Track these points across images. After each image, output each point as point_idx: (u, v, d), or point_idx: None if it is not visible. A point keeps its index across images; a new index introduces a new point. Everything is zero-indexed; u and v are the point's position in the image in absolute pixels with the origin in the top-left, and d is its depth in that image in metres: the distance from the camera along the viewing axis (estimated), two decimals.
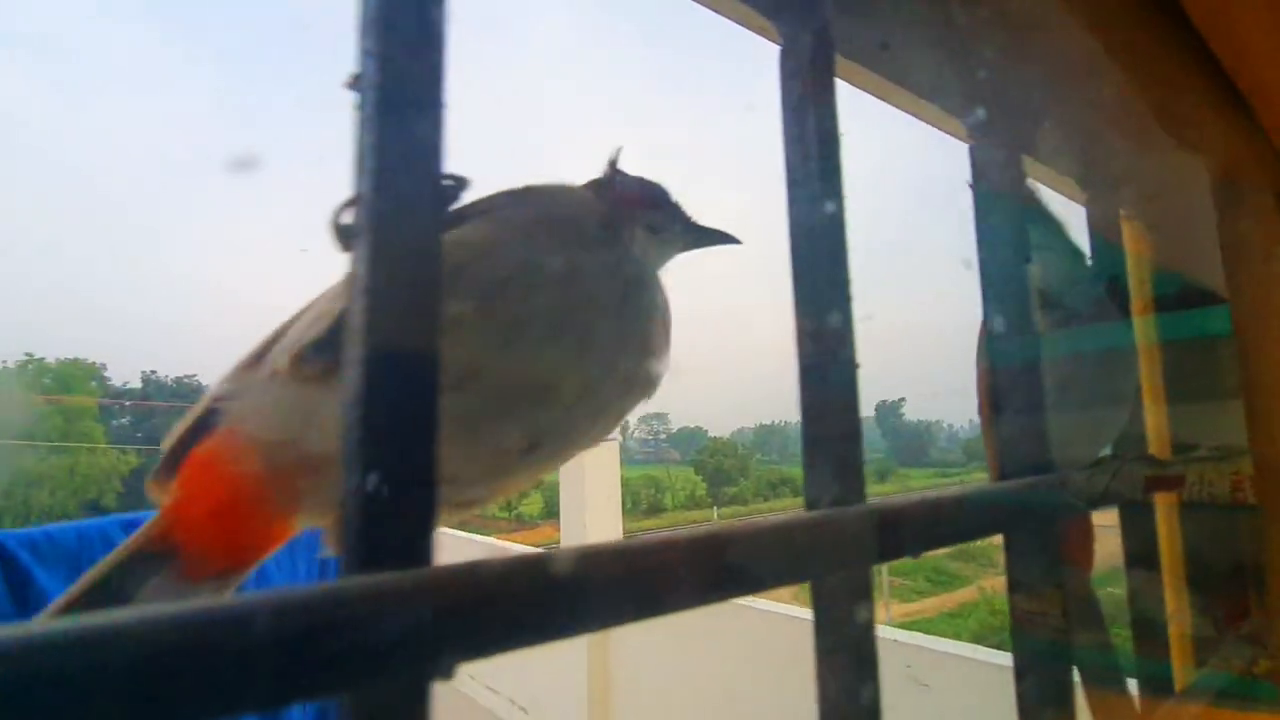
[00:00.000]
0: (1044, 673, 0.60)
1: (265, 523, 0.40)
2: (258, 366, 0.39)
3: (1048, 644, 0.62)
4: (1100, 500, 0.79)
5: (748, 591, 0.35)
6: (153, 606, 0.18)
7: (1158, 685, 0.95)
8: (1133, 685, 0.89)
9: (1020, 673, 0.59)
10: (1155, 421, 1.00)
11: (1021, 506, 0.65)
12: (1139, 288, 1.03)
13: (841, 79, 0.58)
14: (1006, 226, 0.63)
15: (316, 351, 0.36)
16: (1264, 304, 0.88)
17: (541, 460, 0.43)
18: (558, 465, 0.45)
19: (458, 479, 0.39)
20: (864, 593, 0.42)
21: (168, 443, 0.42)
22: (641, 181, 0.57)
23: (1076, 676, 0.77)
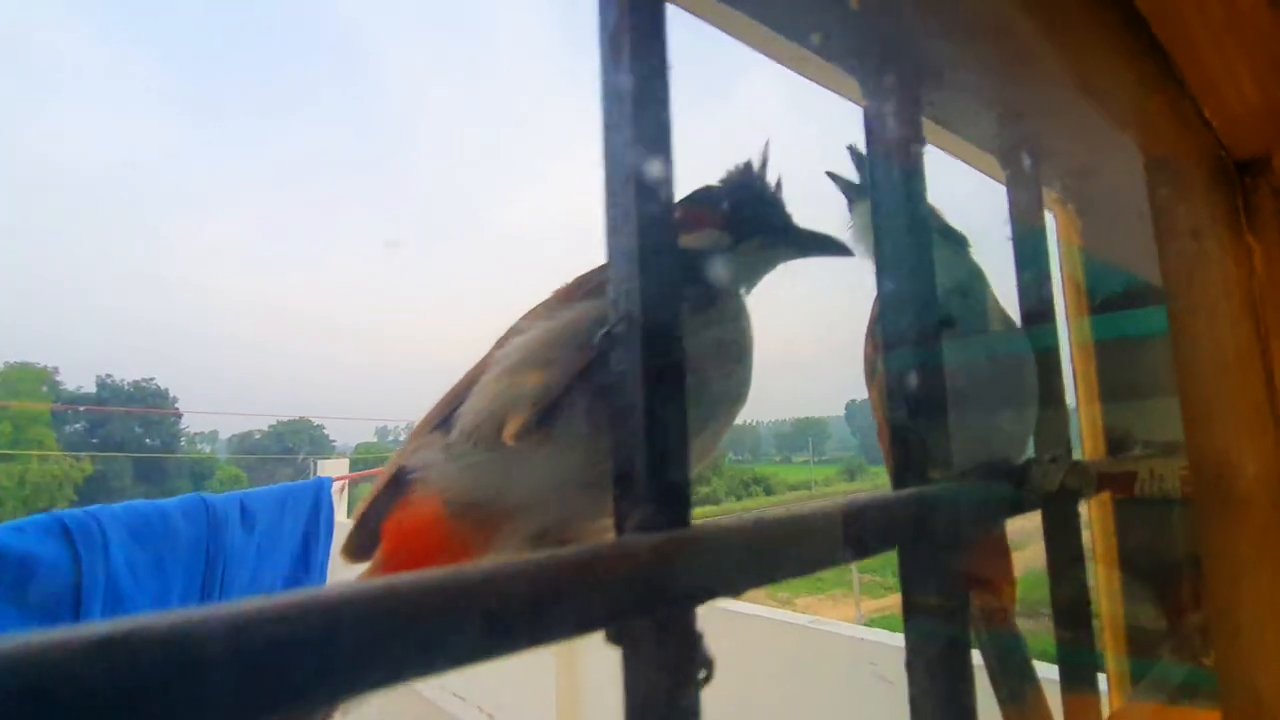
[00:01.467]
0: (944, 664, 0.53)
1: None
2: (445, 434, 0.42)
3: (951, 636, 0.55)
4: (1054, 497, 0.76)
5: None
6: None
7: (1087, 682, 0.89)
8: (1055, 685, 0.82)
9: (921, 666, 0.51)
10: (1089, 420, 0.94)
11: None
12: (1071, 277, 0.96)
13: (688, 11, 0.49)
14: (904, 201, 0.55)
15: (537, 423, 0.40)
16: (1197, 286, 0.82)
17: None
18: None
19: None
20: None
21: (361, 508, 0.46)
22: (711, 195, 0.55)
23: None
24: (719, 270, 0.50)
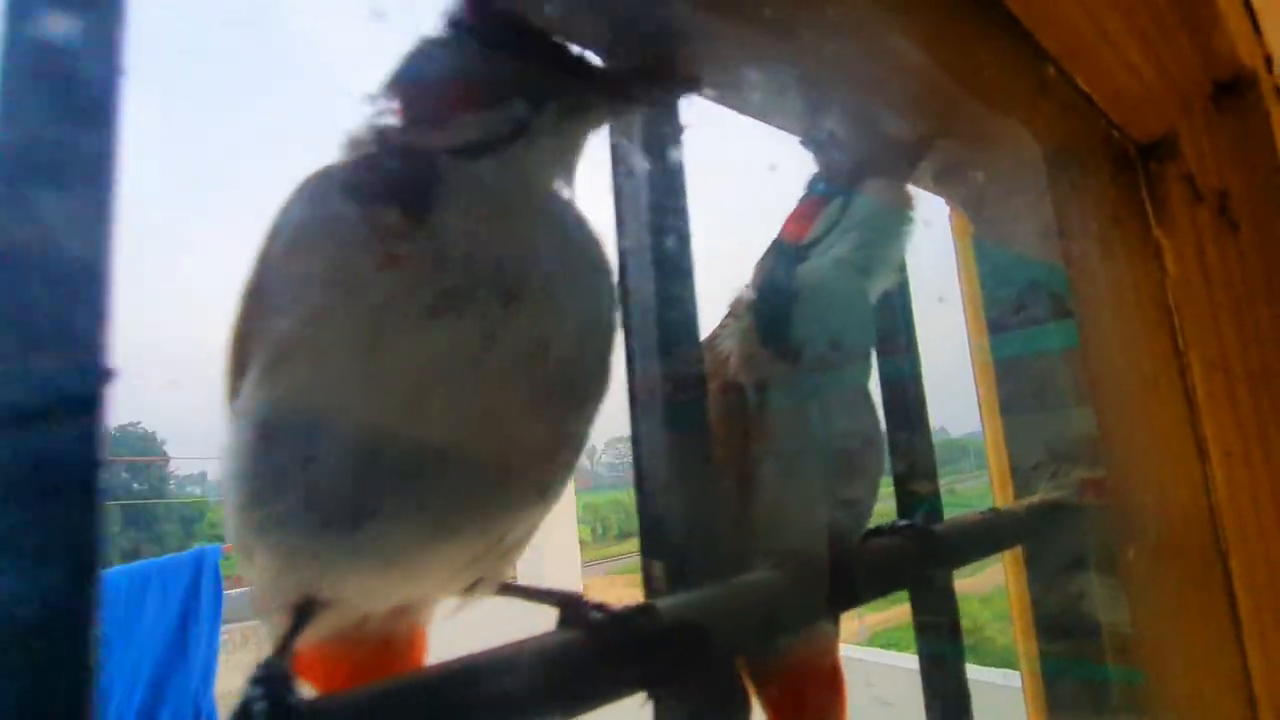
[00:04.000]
0: None
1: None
2: None
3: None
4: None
5: None
6: None
7: None
8: None
9: None
10: (993, 437, 0.81)
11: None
12: (967, 282, 0.84)
13: None
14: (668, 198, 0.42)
15: None
16: (1103, 295, 0.70)
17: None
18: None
19: None
20: None
21: None
22: (431, 60, 0.35)
23: None
24: (510, 175, 0.33)
